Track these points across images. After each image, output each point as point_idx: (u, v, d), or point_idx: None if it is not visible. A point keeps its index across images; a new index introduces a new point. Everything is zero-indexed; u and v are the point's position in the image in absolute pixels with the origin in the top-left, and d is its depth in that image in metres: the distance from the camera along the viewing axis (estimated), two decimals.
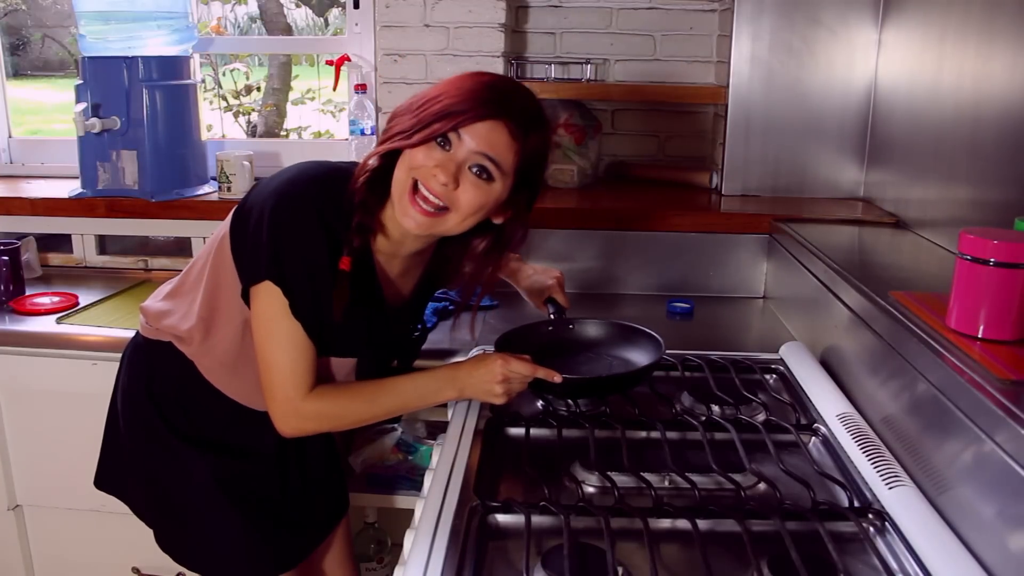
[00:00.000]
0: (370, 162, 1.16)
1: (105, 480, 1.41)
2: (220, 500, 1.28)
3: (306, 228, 1.11)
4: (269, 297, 1.12)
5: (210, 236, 1.27)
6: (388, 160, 1.15)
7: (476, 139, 1.09)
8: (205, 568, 1.33)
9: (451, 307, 1.78)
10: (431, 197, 1.10)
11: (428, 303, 1.41)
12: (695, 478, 1.08)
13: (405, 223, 1.13)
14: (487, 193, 1.12)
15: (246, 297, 1.16)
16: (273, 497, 1.32)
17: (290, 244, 1.11)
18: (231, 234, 1.18)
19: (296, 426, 1.18)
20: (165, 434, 1.28)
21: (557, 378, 1.18)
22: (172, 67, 2.05)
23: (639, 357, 1.35)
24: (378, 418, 1.23)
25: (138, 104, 1.98)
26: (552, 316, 1.44)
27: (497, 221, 1.20)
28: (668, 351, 1.34)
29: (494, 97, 1.11)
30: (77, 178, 2.07)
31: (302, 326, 1.13)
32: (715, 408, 1.29)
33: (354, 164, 1.21)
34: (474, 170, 1.11)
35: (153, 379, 1.30)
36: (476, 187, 1.11)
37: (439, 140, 1.10)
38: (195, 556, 1.33)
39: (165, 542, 1.34)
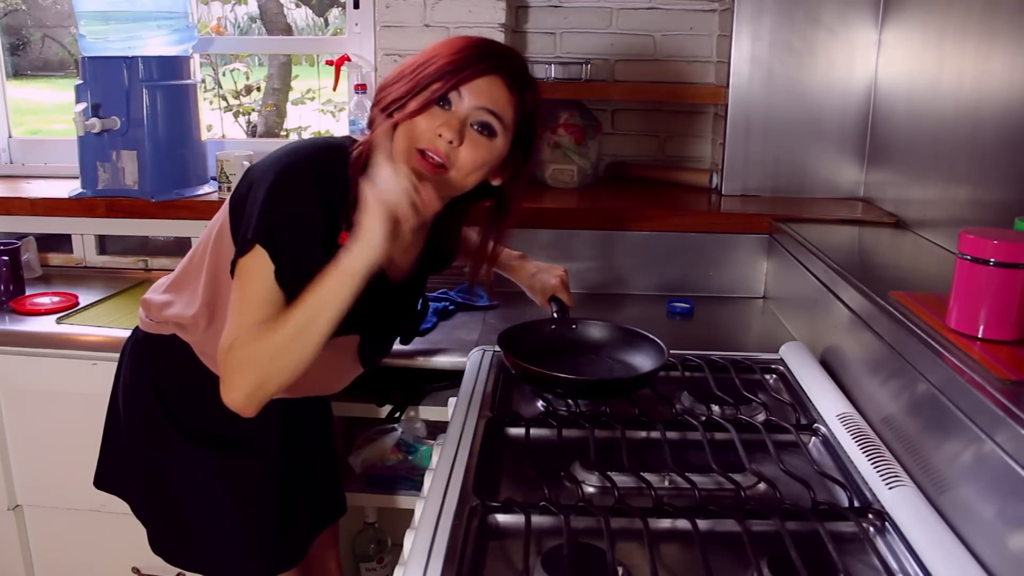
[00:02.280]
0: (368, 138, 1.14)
1: (105, 479, 1.41)
2: (223, 498, 1.28)
3: (304, 200, 1.09)
4: (255, 259, 1.07)
5: (208, 224, 1.26)
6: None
7: (477, 95, 1.10)
8: (204, 568, 1.33)
9: (451, 307, 1.79)
10: (434, 157, 1.10)
11: (426, 281, 1.39)
12: (695, 478, 1.08)
13: None
14: (489, 150, 1.13)
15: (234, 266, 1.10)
16: (275, 495, 1.32)
17: (286, 214, 1.08)
18: (231, 216, 1.16)
19: (232, 385, 1.05)
20: (168, 429, 1.28)
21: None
22: (172, 67, 2.05)
23: (641, 361, 1.35)
24: (300, 344, 1.04)
25: (138, 104, 1.98)
26: (555, 315, 1.44)
27: (496, 183, 1.20)
28: (668, 350, 1.34)
29: (489, 53, 1.12)
30: (77, 178, 2.06)
31: (284, 295, 1.06)
32: (715, 408, 1.29)
33: (348, 138, 1.20)
34: (476, 127, 1.11)
35: (157, 374, 1.30)
36: (478, 144, 1.12)
37: (439, 101, 1.10)
38: (193, 555, 1.32)
39: (159, 543, 1.33)
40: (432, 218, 1.23)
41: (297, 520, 1.37)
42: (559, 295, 1.46)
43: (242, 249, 1.08)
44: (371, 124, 1.17)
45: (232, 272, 1.11)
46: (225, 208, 1.19)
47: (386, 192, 1.01)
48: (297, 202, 1.09)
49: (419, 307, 1.41)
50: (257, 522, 1.30)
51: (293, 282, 1.06)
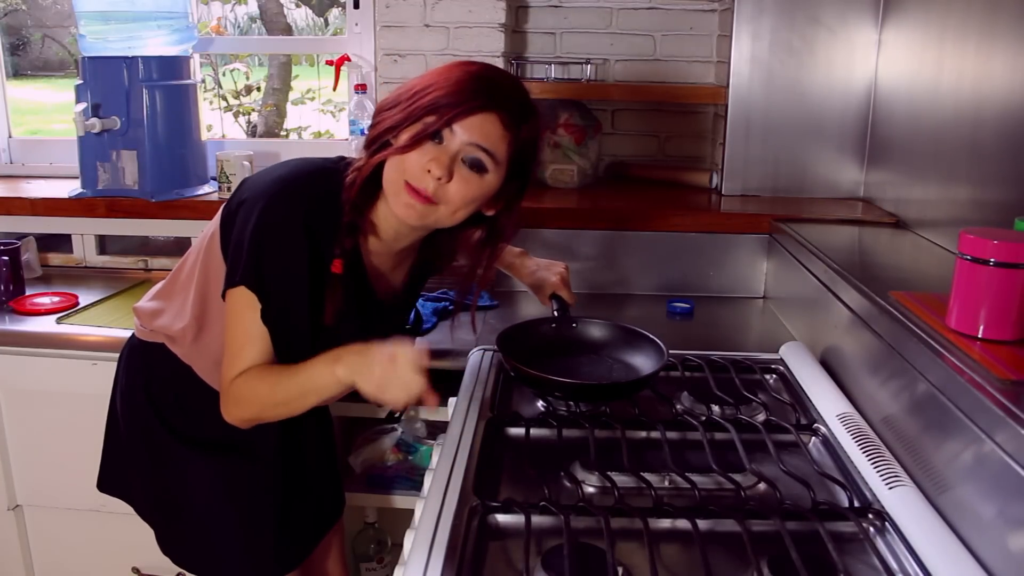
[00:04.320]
0: (362, 165, 1.15)
1: (108, 482, 1.41)
2: (221, 502, 1.28)
3: (290, 235, 1.10)
4: (244, 296, 1.11)
5: (200, 234, 1.27)
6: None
7: (469, 131, 1.08)
8: (206, 570, 1.33)
9: (451, 307, 1.78)
10: (422, 192, 1.09)
11: (419, 294, 1.39)
12: (695, 478, 1.08)
13: (402, 215, 1.11)
14: (479, 186, 1.11)
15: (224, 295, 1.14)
16: (274, 498, 1.32)
17: (271, 255, 1.10)
18: (221, 231, 1.17)
19: (230, 413, 1.15)
20: (165, 436, 1.28)
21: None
22: (172, 67, 2.05)
23: (641, 362, 1.35)
24: (292, 408, 1.14)
25: (138, 104, 1.98)
26: (556, 313, 1.43)
27: (488, 213, 1.19)
28: (668, 351, 1.33)
29: (485, 88, 1.09)
30: (77, 178, 2.06)
31: (268, 332, 1.11)
32: (715, 408, 1.29)
33: (340, 160, 1.20)
34: (467, 162, 1.09)
35: (151, 381, 1.30)
36: (468, 180, 1.10)
37: (431, 136, 1.08)
38: (196, 558, 1.33)
39: (166, 544, 1.34)
40: (420, 240, 1.23)
41: (297, 522, 1.37)
42: (559, 293, 1.45)
43: (230, 283, 1.12)
44: (367, 146, 1.15)
45: (224, 296, 1.14)
46: (217, 220, 1.19)
47: (393, 389, 1.05)
48: (283, 242, 1.10)
49: (411, 322, 1.41)
50: (256, 525, 1.30)
51: (279, 320, 1.12)
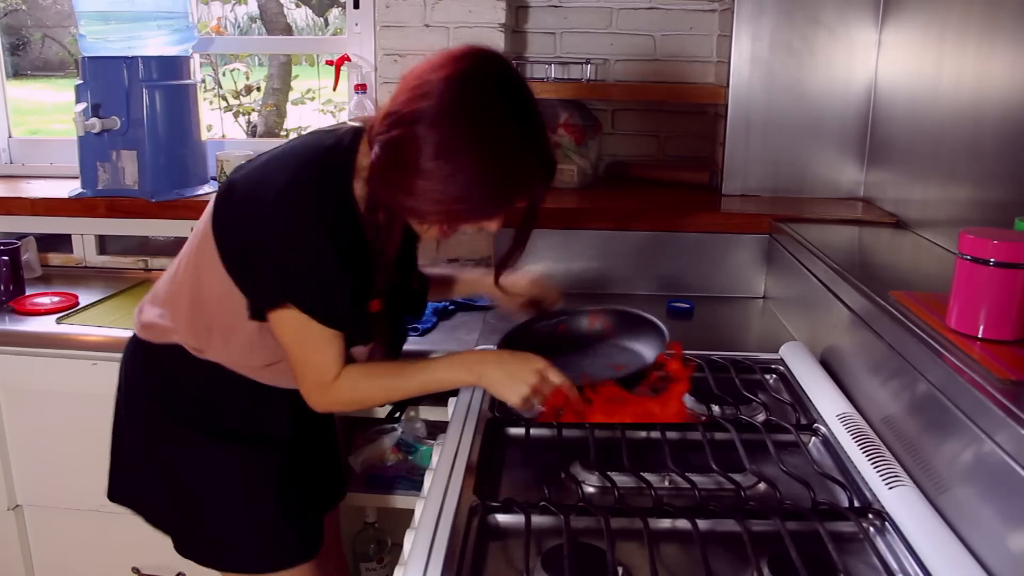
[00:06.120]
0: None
1: (118, 492, 1.38)
2: (243, 492, 1.27)
3: (316, 244, 1.09)
4: (292, 314, 1.12)
5: (193, 231, 1.25)
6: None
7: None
8: (232, 563, 1.31)
9: (451, 307, 1.79)
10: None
11: (416, 246, 1.35)
12: (695, 478, 1.08)
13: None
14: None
15: (258, 315, 1.16)
16: (293, 484, 1.31)
17: (302, 265, 1.10)
18: (215, 228, 1.16)
19: (326, 407, 1.24)
20: (183, 430, 1.26)
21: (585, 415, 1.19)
22: (172, 67, 2.05)
23: (643, 347, 1.35)
24: (403, 397, 1.31)
25: (138, 104, 1.98)
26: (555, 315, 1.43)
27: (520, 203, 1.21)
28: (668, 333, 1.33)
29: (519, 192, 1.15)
30: (77, 178, 2.07)
31: (336, 332, 1.15)
32: (715, 408, 1.29)
33: (338, 141, 1.15)
34: None
35: (165, 378, 1.28)
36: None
37: None
38: (221, 552, 1.30)
39: (186, 546, 1.32)
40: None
41: (313, 508, 1.37)
42: (537, 295, 1.44)
43: (271, 303, 1.14)
44: (369, 133, 1.14)
45: (257, 315, 1.16)
46: (208, 218, 1.19)
47: (513, 394, 1.15)
48: (311, 252, 1.10)
49: (416, 285, 1.40)
50: (279, 512, 1.29)
51: (339, 318, 1.14)
